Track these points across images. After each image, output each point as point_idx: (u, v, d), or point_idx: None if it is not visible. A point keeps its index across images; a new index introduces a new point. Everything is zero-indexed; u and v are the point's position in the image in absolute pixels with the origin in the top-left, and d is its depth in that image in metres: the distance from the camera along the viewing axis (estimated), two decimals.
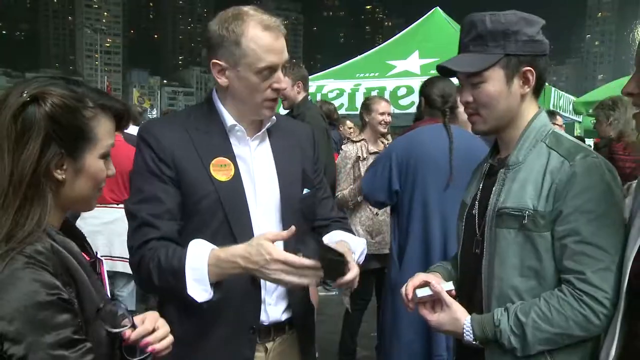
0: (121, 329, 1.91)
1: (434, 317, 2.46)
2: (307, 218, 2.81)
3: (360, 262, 2.64)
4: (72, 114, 1.85)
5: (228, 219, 2.54)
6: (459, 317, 2.39)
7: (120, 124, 2.07)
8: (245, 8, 2.54)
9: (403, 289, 2.55)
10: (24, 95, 1.80)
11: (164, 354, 2.00)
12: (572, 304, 2.21)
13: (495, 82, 2.37)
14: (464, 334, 2.37)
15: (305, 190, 2.77)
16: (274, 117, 2.71)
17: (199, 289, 2.32)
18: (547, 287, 2.31)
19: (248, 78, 2.52)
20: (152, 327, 1.98)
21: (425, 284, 2.49)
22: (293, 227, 2.30)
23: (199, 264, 2.32)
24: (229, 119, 2.62)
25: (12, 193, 1.78)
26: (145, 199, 2.51)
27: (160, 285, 2.40)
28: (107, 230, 5.43)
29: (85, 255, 2.01)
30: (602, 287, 2.18)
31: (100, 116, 1.95)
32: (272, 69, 2.51)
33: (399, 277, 4.50)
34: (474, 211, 2.56)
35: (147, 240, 2.45)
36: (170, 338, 2.02)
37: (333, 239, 2.71)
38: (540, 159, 2.35)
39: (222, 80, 2.57)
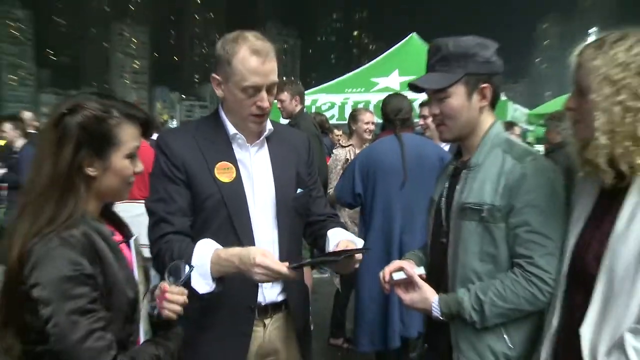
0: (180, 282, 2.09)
1: (407, 297, 2.47)
2: (300, 214, 2.80)
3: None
4: (98, 122, 1.97)
5: (230, 216, 2.53)
6: (429, 296, 2.40)
7: (146, 131, 2.15)
8: (247, 33, 2.51)
9: (381, 273, 2.56)
10: (63, 107, 1.96)
11: (165, 313, 2.05)
12: (522, 284, 2.24)
13: (458, 97, 2.39)
14: (433, 311, 2.38)
15: (299, 190, 2.75)
16: (271, 127, 2.69)
17: (202, 282, 2.33)
18: (502, 269, 2.33)
19: (235, 94, 2.51)
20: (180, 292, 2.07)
21: (400, 268, 2.51)
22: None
23: (203, 261, 2.33)
24: (231, 129, 2.61)
25: (53, 187, 1.92)
26: (162, 199, 2.51)
27: None
28: (135, 222, 5.45)
29: (119, 235, 2.18)
30: (547, 269, 2.21)
31: (125, 124, 2.03)
32: (256, 89, 2.47)
33: (362, 266, 4.57)
34: (441, 206, 2.57)
35: (164, 234, 2.48)
36: (178, 309, 2.06)
37: (338, 237, 2.71)
38: (496, 161, 2.37)
39: (219, 92, 2.58)
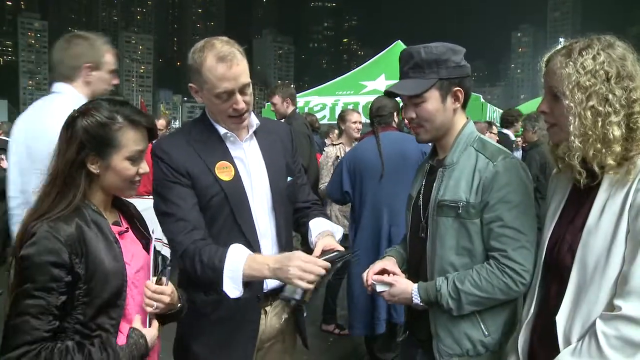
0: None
1: (387, 292, 2.46)
2: (291, 202, 2.79)
3: (338, 240, 2.61)
4: (101, 127, 2.03)
5: (233, 211, 2.49)
6: (407, 286, 2.40)
7: (151, 135, 2.20)
8: (214, 40, 2.42)
9: (364, 274, 2.55)
10: (77, 110, 2.07)
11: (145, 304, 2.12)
12: (497, 275, 2.24)
13: (433, 101, 2.36)
14: (413, 298, 2.37)
15: (289, 179, 2.74)
16: (258, 121, 2.64)
17: (232, 287, 2.28)
18: (477, 262, 2.33)
19: (210, 100, 2.45)
20: (161, 292, 2.13)
21: (383, 271, 2.51)
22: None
23: (236, 267, 2.27)
24: (221, 129, 2.56)
25: (57, 180, 2.03)
26: (174, 202, 2.44)
27: (200, 276, 2.35)
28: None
29: (126, 224, 2.26)
30: (520, 261, 2.22)
31: (127, 129, 2.08)
32: (228, 94, 2.41)
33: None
34: (419, 202, 2.54)
35: (189, 231, 2.40)
36: (153, 304, 2.12)
37: (318, 227, 2.68)
38: (470, 160, 2.36)
39: (198, 99, 2.51)
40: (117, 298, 2.04)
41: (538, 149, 6.85)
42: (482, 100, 10.73)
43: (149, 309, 2.11)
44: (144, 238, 2.32)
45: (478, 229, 2.30)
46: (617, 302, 1.78)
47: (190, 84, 2.50)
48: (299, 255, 2.25)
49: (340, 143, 6.52)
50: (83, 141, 2.02)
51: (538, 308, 2.14)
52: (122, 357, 1.99)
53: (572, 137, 1.90)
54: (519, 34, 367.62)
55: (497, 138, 8.33)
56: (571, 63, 1.91)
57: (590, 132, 1.87)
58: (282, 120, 6.29)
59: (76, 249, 1.94)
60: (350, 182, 4.80)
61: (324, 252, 2.41)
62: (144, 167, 2.17)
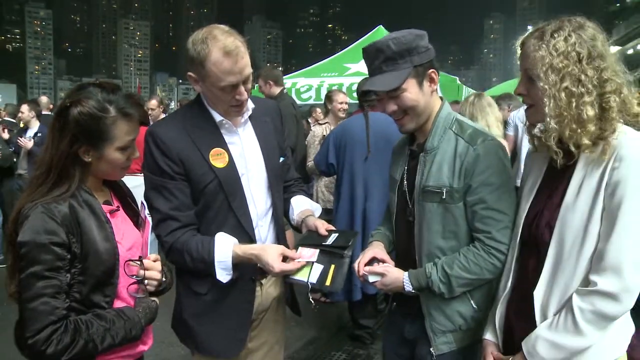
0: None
1: (379, 282, 2.35)
2: (282, 179, 2.72)
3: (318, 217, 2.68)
4: (94, 120, 1.91)
5: (228, 198, 2.39)
6: (398, 275, 2.31)
7: (143, 122, 2.08)
8: (215, 31, 2.22)
9: (355, 265, 2.41)
10: (68, 100, 1.92)
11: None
12: (484, 257, 2.18)
13: (411, 89, 2.22)
14: (405, 286, 2.28)
15: (281, 159, 2.67)
16: (253, 105, 2.49)
17: (224, 274, 2.31)
18: (463, 244, 2.26)
19: (213, 91, 2.31)
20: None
21: (372, 259, 2.41)
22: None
23: (225, 258, 2.29)
24: (217, 116, 2.41)
25: (52, 171, 1.92)
26: (164, 196, 2.33)
27: (193, 267, 2.33)
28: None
29: (117, 202, 2.16)
30: (504, 241, 2.16)
31: (120, 121, 1.96)
32: (233, 87, 2.27)
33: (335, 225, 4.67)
34: (404, 187, 2.42)
35: (172, 230, 2.34)
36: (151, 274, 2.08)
37: (300, 205, 2.70)
38: (450, 144, 2.25)
39: (197, 88, 2.37)
40: (111, 277, 1.98)
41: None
42: (459, 82, 10.70)
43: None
44: (135, 215, 2.22)
45: (462, 212, 2.21)
46: (593, 277, 1.76)
47: (190, 74, 2.32)
48: (276, 253, 2.29)
49: (326, 122, 6.42)
50: (76, 133, 1.91)
51: (514, 282, 2.09)
52: (140, 318, 2.02)
53: (548, 119, 1.83)
54: (490, 22, 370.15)
55: None
56: (544, 45, 1.84)
57: (565, 113, 1.80)
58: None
59: (72, 228, 1.86)
60: (335, 155, 4.85)
61: (330, 232, 2.48)
62: (136, 152, 2.08)
